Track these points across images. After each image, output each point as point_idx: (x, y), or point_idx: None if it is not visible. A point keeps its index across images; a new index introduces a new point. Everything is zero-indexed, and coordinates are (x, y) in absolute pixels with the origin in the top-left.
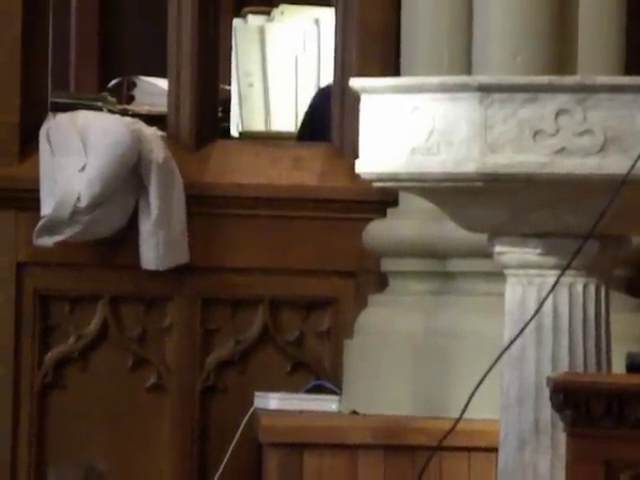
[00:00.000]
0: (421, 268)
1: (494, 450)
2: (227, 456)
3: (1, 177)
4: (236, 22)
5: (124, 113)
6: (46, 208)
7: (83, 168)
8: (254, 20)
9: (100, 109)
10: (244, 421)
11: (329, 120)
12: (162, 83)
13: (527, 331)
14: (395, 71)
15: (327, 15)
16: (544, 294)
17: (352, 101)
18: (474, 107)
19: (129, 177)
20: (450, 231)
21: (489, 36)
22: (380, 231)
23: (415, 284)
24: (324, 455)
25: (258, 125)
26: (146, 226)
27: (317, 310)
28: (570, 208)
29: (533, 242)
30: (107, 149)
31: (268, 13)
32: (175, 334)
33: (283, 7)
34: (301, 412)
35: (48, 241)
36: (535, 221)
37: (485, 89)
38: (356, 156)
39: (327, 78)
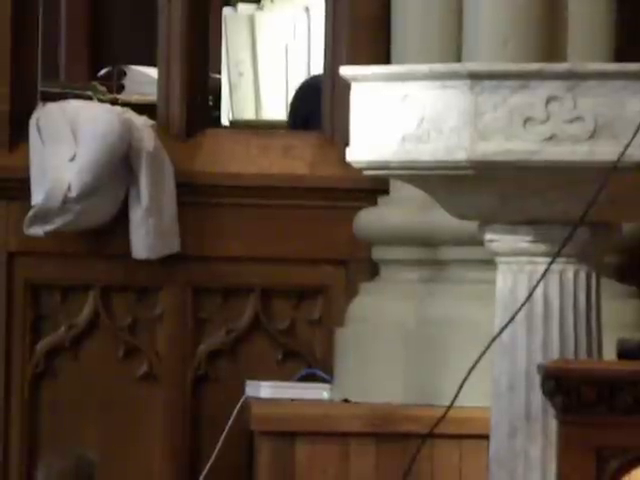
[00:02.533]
0: (412, 256)
1: (485, 437)
2: (219, 445)
3: None
4: (226, 11)
5: (114, 102)
6: (36, 197)
7: (73, 157)
8: (244, 9)
9: (90, 98)
10: (236, 410)
11: (313, 113)
12: (152, 72)
13: (518, 318)
14: (386, 59)
15: (317, 3)
16: (535, 281)
17: (342, 89)
18: (464, 95)
19: (119, 166)
20: (441, 219)
21: (479, 24)
22: (371, 219)
23: (406, 272)
24: (316, 443)
25: (249, 114)
26: (137, 215)
27: (308, 299)
28: (561, 195)
29: (524, 229)
30: (97, 138)
31: (258, 1)
32: (166, 323)
33: None
34: (292, 400)
35: (39, 231)
36: (526, 208)
37: (475, 76)
38: (347, 144)
39: (317, 66)
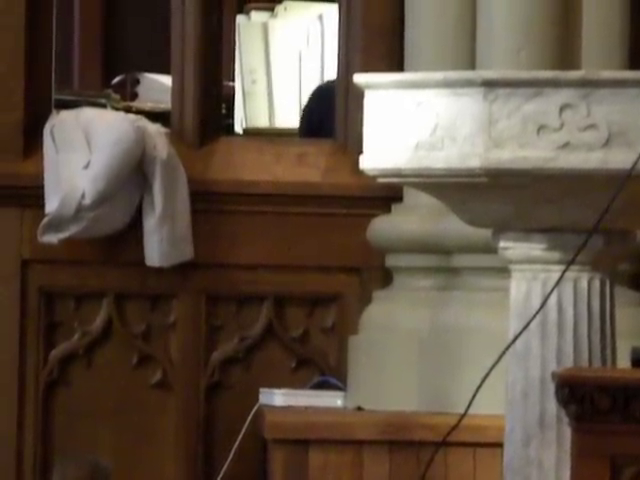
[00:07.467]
0: (426, 264)
1: (499, 445)
2: (232, 453)
3: (5, 174)
4: (239, 19)
5: (128, 110)
6: (50, 205)
7: (87, 165)
8: (257, 16)
9: (104, 106)
10: (249, 417)
11: (325, 119)
12: (166, 80)
13: (532, 326)
14: (399, 67)
15: (330, 11)
16: (549, 289)
17: (356, 97)
18: (478, 102)
19: (133, 174)
20: (455, 226)
21: (493, 31)
22: (384, 227)
23: (420, 280)
24: (329, 451)
25: (262, 122)
26: (150, 223)
27: (322, 306)
28: (575, 203)
29: (538, 237)
30: (111, 146)
31: (271, 9)
32: (180, 331)
33: (286, 3)
34: (306, 408)
35: (53, 238)
36: (540, 216)
37: (489, 84)
38: (360, 152)
39: (331, 74)
